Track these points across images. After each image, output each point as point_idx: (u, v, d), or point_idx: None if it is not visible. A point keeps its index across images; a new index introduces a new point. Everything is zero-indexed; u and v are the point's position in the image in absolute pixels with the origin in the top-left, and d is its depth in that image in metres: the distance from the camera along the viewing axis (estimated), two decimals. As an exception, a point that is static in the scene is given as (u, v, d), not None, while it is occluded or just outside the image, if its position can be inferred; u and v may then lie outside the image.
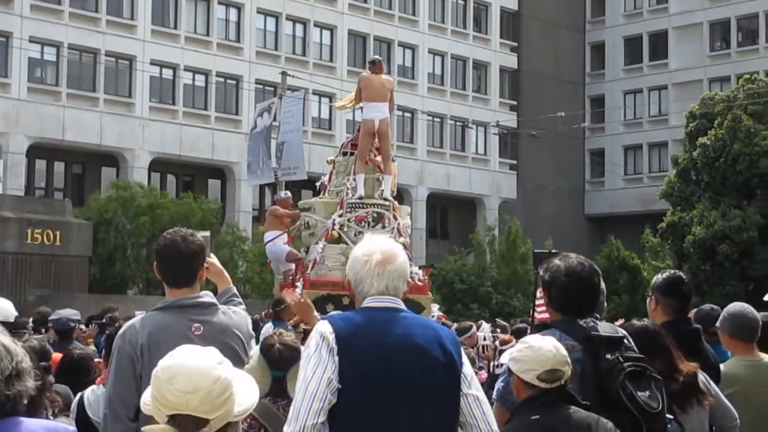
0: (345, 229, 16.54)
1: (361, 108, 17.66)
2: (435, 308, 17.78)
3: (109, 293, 37.35)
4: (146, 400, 3.15)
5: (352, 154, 17.49)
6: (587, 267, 4.98)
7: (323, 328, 4.10)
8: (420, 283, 17.32)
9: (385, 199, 17.28)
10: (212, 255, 5.47)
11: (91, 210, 40.72)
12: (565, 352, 4.58)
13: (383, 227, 16.94)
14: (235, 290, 5.53)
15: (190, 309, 4.99)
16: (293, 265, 17.86)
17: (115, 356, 4.92)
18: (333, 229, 16.42)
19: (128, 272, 40.30)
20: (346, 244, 16.49)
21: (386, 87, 17.43)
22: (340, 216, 16.70)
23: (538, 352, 4.54)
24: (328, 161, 18.78)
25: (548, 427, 4.46)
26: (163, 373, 3.06)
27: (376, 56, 19.62)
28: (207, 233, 5.52)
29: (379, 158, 17.38)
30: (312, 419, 3.90)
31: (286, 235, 18.09)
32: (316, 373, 3.97)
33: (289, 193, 19.36)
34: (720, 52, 63.54)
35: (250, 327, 5.22)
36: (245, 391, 3.18)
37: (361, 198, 16.98)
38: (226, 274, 5.56)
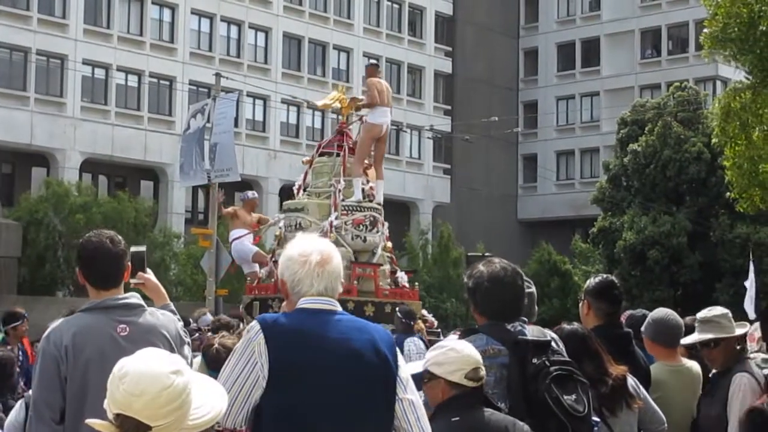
0: (342, 232, 16.25)
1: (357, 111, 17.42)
2: (424, 313, 17.51)
3: (38, 295, 36.89)
4: None
5: (338, 155, 17.12)
6: (510, 271, 5.00)
7: (254, 329, 4.11)
8: (407, 288, 17.11)
9: (378, 204, 17.14)
10: (149, 270, 5.44)
11: (20, 210, 40.22)
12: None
13: (377, 231, 16.79)
14: (172, 306, 5.48)
15: (116, 310, 4.96)
16: (257, 267, 17.55)
17: (40, 358, 4.88)
18: (331, 232, 16.10)
19: (58, 274, 39.84)
20: (344, 247, 16.18)
21: (390, 92, 17.31)
22: (337, 218, 16.28)
23: (461, 352, 4.55)
24: (303, 162, 18.39)
25: (468, 428, 4.46)
26: (118, 370, 3.03)
27: (374, 60, 19.48)
28: (143, 248, 5.47)
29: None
30: (232, 418, 4.01)
31: (251, 235, 17.74)
32: (241, 374, 4.03)
33: (255, 194, 19.04)
34: (651, 60, 64.34)
35: (180, 329, 5.16)
36: (206, 404, 3.12)
37: (359, 201, 16.73)
38: (163, 290, 5.51)
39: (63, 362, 4.80)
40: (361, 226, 16.54)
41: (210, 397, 3.16)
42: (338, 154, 17.02)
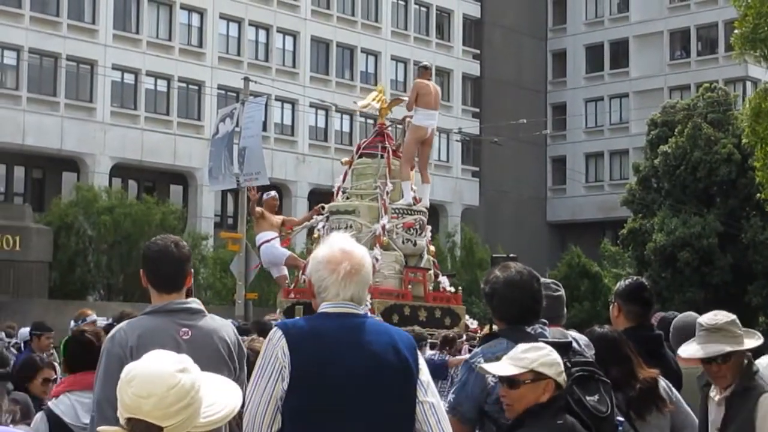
0: (393, 235, 16.09)
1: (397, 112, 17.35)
2: (467, 318, 17.33)
3: (69, 299, 37.08)
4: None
5: (382, 156, 16.99)
6: (526, 275, 5.00)
7: (275, 335, 4.13)
8: (449, 292, 16.94)
9: (425, 207, 17.02)
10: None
11: (51, 215, 40.46)
12: None
13: (424, 235, 16.71)
14: None
15: (178, 313, 5.03)
16: (286, 270, 17.41)
17: (104, 358, 4.94)
18: (384, 235, 15.86)
19: (89, 278, 40.03)
20: (396, 251, 16.05)
21: (439, 95, 17.19)
22: (388, 222, 16.08)
23: (557, 354, 4.57)
24: (342, 162, 18.21)
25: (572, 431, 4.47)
26: (125, 375, 3.07)
27: (426, 62, 19.32)
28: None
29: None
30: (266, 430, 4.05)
31: (278, 238, 17.40)
32: (267, 385, 4.05)
33: (273, 194, 18.38)
34: (680, 61, 64.04)
35: (236, 332, 5.22)
36: (219, 402, 3.14)
37: (409, 205, 16.56)
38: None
39: (127, 362, 4.82)
40: (412, 230, 16.42)
41: (222, 395, 3.17)
42: (382, 156, 16.85)
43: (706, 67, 61.60)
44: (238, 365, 5.11)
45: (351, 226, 16.23)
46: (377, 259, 15.49)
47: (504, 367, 4.50)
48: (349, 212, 16.59)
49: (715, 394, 5.73)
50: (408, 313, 15.44)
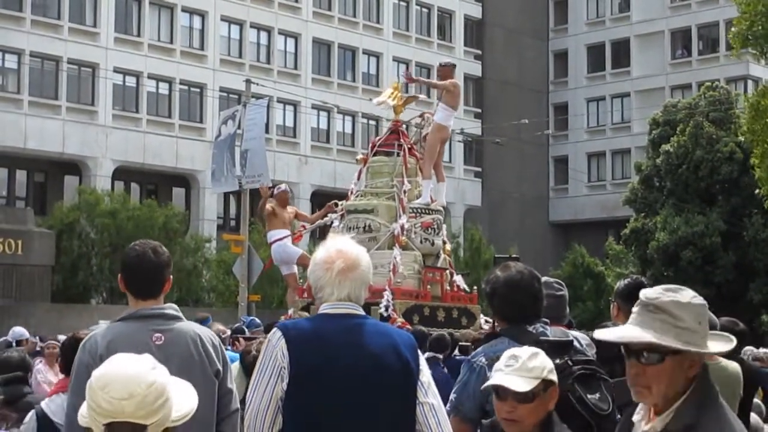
0: (412, 235, 16.06)
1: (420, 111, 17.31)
2: (481, 318, 17.22)
3: (72, 303, 37.12)
4: (83, 412, 3.14)
5: (398, 154, 16.81)
6: (526, 275, 5.03)
7: (275, 336, 4.14)
8: (464, 291, 16.87)
9: (442, 206, 17.01)
10: None
11: (54, 219, 40.49)
12: None
13: (440, 235, 16.70)
14: None
15: (152, 319, 4.97)
16: (296, 268, 17.26)
17: (75, 367, 4.89)
18: (402, 235, 15.68)
19: (92, 281, 40.04)
20: (415, 251, 16.03)
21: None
22: (407, 221, 15.90)
23: None
24: (357, 160, 18.12)
25: None
26: (96, 382, 3.06)
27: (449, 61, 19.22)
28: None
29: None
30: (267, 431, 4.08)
31: (290, 237, 17.14)
32: (268, 386, 4.08)
33: (286, 187, 17.99)
34: (681, 60, 64.01)
35: (215, 340, 5.13)
36: (182, 397, 3.19)
37: (427, 204, 16.55)
38: None
39: None
40: (430, 230, 16.39)
41: (181, 395, 3.21)
42: (398, 154, 16.80)
43: (708, 66, 61.58)
44: (221, 369, 5.03)
45: (369, 226, 16.11)
46: (397, 259, 15.46)
47: (515, 381, 3.92)
48: (368, 211, 16.34)
49: (640, 418, 3.41)
50: (428, 313, 15.41)
